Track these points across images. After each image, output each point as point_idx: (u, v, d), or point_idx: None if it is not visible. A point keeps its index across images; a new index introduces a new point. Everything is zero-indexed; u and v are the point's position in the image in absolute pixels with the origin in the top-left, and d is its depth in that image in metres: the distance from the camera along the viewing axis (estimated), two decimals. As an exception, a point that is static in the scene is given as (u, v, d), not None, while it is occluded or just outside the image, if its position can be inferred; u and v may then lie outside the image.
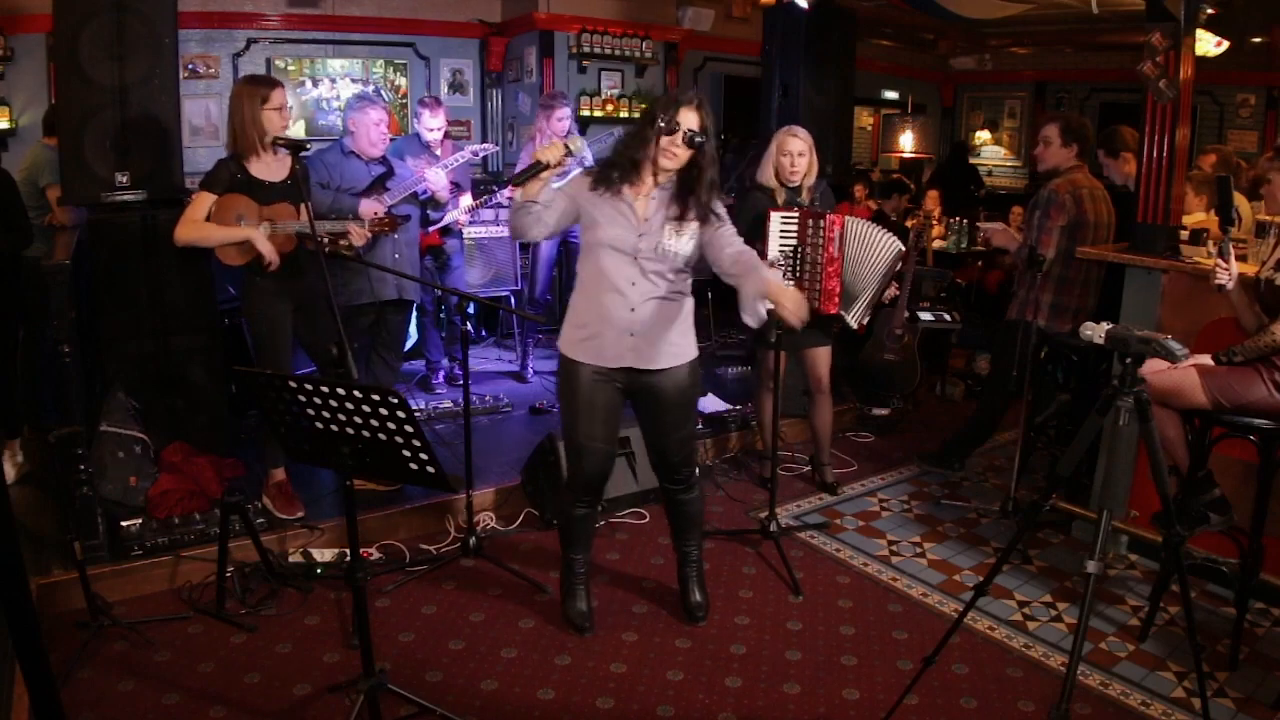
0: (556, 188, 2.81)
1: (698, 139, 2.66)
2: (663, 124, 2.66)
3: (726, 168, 6.85)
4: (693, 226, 2.76)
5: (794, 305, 2.54)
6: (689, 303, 2.92)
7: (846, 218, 3.82)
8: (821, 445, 4.31)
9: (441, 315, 5.36)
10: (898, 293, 4.56)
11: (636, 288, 2.77)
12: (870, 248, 3.82)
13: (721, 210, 2.82)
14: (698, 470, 3.18)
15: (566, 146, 2.73)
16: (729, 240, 2.78)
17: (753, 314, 2.60)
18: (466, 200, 4.96)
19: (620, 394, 2.90)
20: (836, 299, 3.81)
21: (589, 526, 3.12)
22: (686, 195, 2.74)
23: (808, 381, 4.16)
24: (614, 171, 2.75)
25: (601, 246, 2.76)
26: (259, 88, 3.36)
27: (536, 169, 2.66)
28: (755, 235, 3.82)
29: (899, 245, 3.84)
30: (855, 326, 3.96)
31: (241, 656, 2.87)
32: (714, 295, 6.23)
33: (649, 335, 2.81)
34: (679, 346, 2.88)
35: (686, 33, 7.43)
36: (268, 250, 3.33)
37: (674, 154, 2.69)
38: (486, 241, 5.52)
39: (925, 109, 9.97)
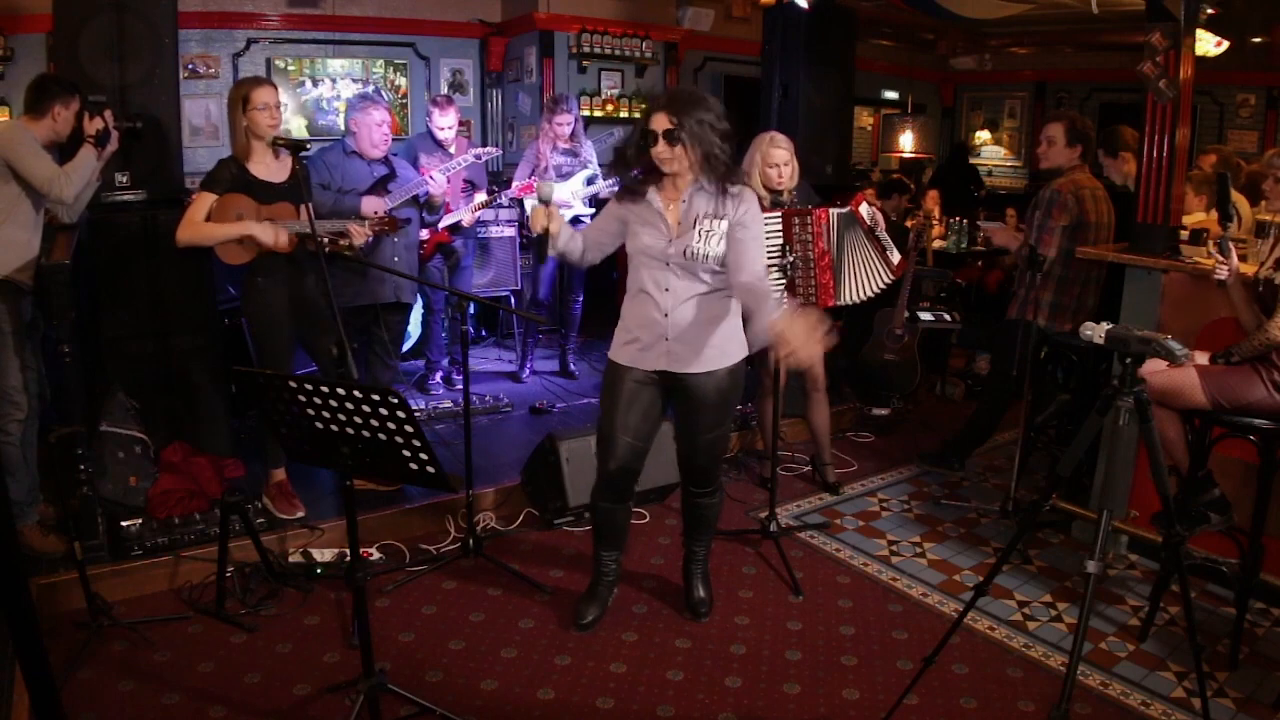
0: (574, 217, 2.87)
1: (675, 135, 2.66)
2: (641, 142, 2.71)
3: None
4: (722, 226, 2.73)
5: (799, 344, 2.32)
6: (735, 303, 2.84)
7: (830, 210, 3.83)
8: (822, 445, 4.31)
9: (455, 316, 5.32)
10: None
11: (670, 293, 2.78)
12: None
13: (749, 217, 2.76)
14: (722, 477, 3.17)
15: (540, 198, 2.79)
16: (744, 263, 2.71)
17: (756, 345, 2.81)
18: (480, 198, 4.94)
19: (661, 396, 2.92)
20: (832, 292, 3.83)
21: (614, 522, 3.07)
22: (712, 185, 2.72)
23: (804, 380, 4.16)
24: (629, 183, 2.82)
25: (638, 254, 2.82)
26: (240, 88, 3.36)
27: (543, 244, 2.78)
28: None
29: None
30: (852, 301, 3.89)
31: (241, 656, 2.87)
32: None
33: (685, 338, 2.80)
34: (720, 349, 2.84)
35: (686, 33, 7.43)
36: (270, 236, 3.29)
37: (666, 159, 2.70)
38: (486, 242, 5.52)
39: (925, 109, 9.96)
